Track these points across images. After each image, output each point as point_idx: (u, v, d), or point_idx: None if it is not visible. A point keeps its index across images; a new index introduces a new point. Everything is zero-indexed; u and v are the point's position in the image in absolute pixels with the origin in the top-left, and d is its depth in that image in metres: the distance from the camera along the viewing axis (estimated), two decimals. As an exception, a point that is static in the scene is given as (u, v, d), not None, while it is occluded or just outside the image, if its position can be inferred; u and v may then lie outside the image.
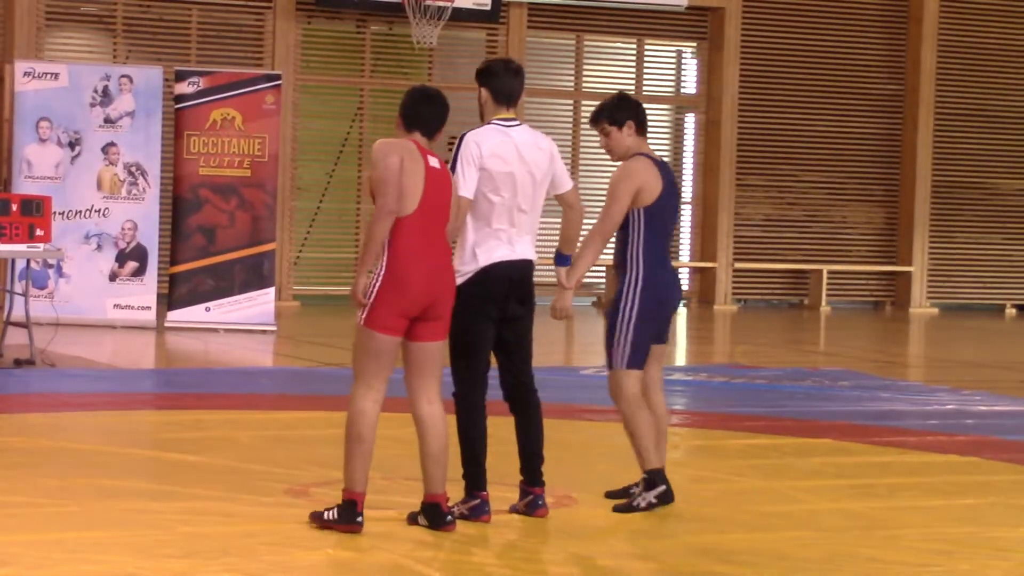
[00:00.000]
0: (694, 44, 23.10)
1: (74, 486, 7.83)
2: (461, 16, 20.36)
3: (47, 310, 14.77)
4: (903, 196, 23.70)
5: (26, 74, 16.71)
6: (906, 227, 23.67)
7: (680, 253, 23.02)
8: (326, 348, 15.69)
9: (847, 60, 23.34)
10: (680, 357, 16.12)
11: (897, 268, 23.75)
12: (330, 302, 20.75)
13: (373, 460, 6.97)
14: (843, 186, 23.56)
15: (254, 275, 16.78)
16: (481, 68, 7.58)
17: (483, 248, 7.32)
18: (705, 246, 22.96)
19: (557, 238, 7.70)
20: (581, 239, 7.74)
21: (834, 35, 23.26)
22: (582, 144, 22.42)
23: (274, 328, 16.69)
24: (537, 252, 7.55)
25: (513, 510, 7.47)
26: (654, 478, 7.66)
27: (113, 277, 16.66)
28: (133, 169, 16.71)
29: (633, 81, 22.70)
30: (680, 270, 22.05)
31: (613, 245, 7.86)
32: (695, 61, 23.24)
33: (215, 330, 16.49)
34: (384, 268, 6.92)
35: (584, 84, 22.63)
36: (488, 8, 20.76)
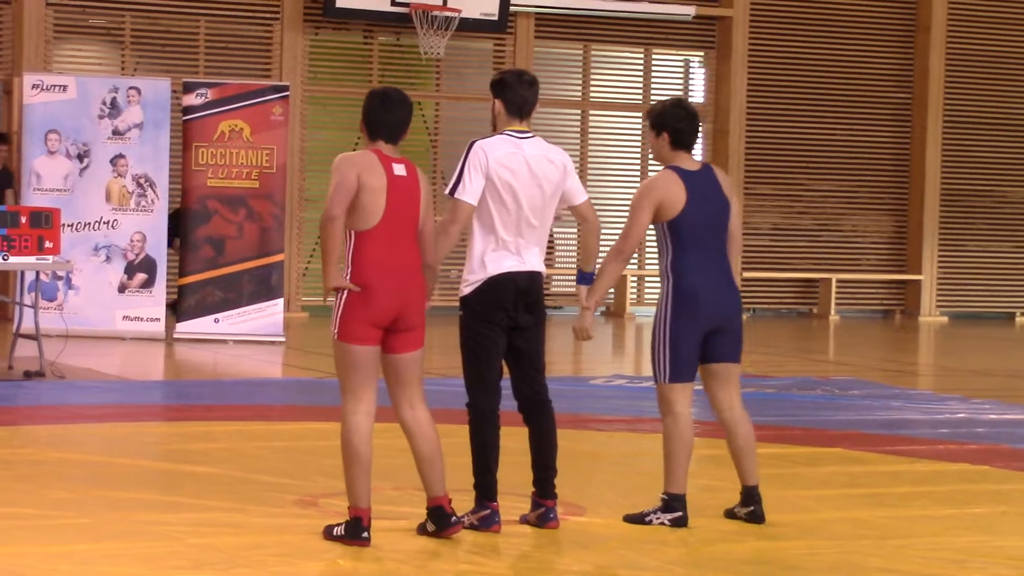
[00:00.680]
0: (702, 53, 23.08)
1: (84, 498, 7.83)
2: (468, 26, 20.37)
3: (56, 322, 14.78)
4: (912, 204, 23.68)
5: (35, 87, 16.74)
6: (915, 235, 23.65)
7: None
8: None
9: (855, 69, 23.33)
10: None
11: (906, 277, 23.72)
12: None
13: (383, 470, 6.97)
14: (852, 195, 23.53)
15: (263, 286, 16.78)
16: (495, 79, 7.57)
17: (491, 258, 7.30)
18: (714, 255, 22.88)
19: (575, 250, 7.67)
20: (602, 254, 7.64)
21: (842, 44, 23.24)
22: (590, 154, 22.39)
23: (283, 339, 16.70)
24: (563, 264, 7.52)
25: (523, 520, 7.44)
26: (673, 502, 7.55)
27: (122, 289, 16.67)
28: (141, 181, 16.72)
29: (640, 90, 22.69)
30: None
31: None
32: (703, 70, 23.23)
33: (224, 341, 16.50)
34: (349, 279, 6.92)
35: (592, 94, 22.61)
36: (495, 18, 20.76)
